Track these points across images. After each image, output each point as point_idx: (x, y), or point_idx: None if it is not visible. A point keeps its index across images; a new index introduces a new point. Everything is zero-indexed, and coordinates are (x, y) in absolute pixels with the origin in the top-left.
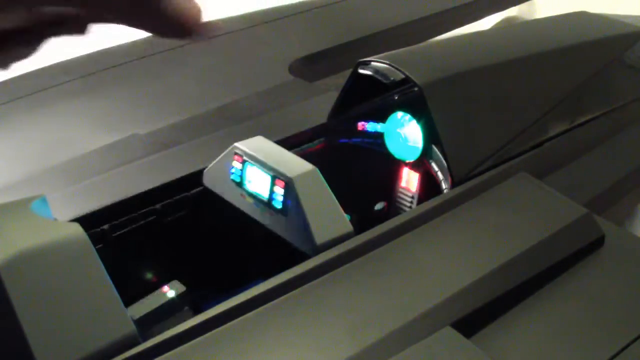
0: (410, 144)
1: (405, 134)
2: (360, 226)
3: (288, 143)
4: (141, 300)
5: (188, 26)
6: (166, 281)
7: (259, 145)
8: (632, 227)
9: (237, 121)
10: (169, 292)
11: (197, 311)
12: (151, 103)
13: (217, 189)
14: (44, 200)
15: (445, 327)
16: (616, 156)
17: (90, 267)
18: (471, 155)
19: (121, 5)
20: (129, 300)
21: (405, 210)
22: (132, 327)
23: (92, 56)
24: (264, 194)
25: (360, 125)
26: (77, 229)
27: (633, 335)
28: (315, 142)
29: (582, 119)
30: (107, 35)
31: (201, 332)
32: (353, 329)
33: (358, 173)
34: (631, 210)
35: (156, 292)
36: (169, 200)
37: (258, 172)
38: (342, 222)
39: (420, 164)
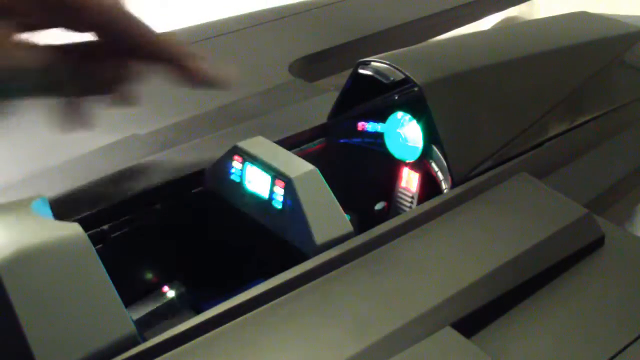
0: (410, 144)
1: (405, 134)
2: (360, 226)
3: (288, 143)
4: (141, 301)
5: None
6: (166, 281)
7: (259, 145)
8: (632, 227)
9: (237, 121)
10: (169, 292)
11: (197, 311)
12: (150, 103)
13: (218, 189)
14: (44, 200)
15: (445, 327)
16: (616, 156)
17: (90, 267)
18: (471, 155)
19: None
20: (129, 300)
21: (405, 210)
22: (132, 327)
23: None
24: (264, 194)
25: (361, 125)
26: (77, 229)
27: (633, 335)
28: (315, 142)
29: (582, 119)
30: None
31: (201, 332)
32: (353, 329)
33: (358, 173)
34: (631, 210)
35: (156, 292)
36: (169, 200)
37: (258, 172)
38: (342, 222)
39: (421, 164)
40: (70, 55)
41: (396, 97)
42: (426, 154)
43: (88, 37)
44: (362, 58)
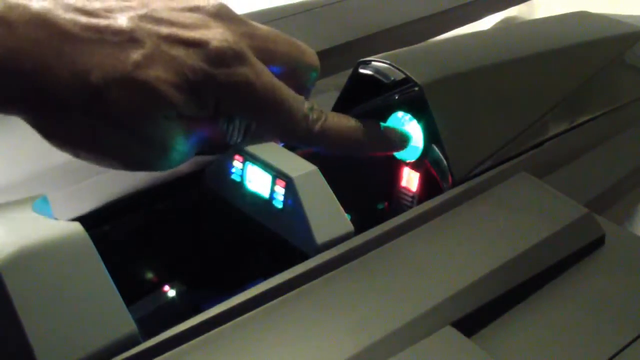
0: (411, 143)
1: None
2: (360, 226)
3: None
4: (142, 300)
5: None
6: (166, 281)
7: (259, 144)
8: (632, 227)
9: None
10: (170, 292)
11: (197, 311)
12: None
13: (218, 189)
14: (45, 199)
15: (445, 327)
16: (616, 156)
17: (91, 266)
18: (472, 155)
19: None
20: (129, 299)
21: (405, 210)
22: (133, 327)
23: None
24: (265, 194)
25: None
26: (78, 229)
27: (633, 334)
28: None
29: (582, 119)
30: None
31: (201, 332)
32: (353, 328)
33: (358, 173)
34: (631, 210)
35: (157, 292)
36: (169, 200)
37: (259, 171)
38: (343, 221)
39: (421, 164)
40: None
41: (396, 97)
42: (427, 154)
43: None
44: (362, 58)
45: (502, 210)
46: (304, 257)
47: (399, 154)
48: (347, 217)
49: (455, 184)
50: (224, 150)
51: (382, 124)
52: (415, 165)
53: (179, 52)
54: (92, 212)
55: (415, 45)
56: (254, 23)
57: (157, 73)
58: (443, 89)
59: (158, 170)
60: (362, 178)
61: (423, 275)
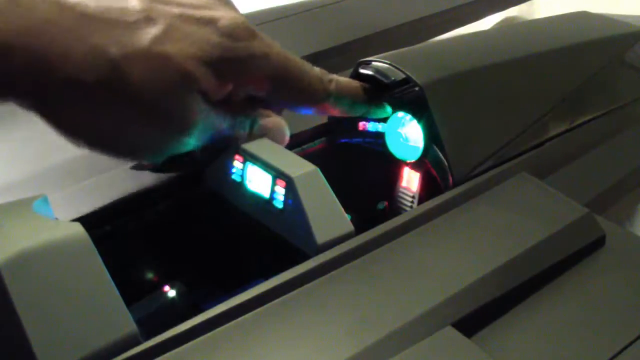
0: (411, 144)
1: (406, 133)
2: (361, 226)
3: (288, 143)
4: (142, 300)
5: None
6: (166, 281)
7: (260, 144)
8: (632, 227)
9: None
10: (170, 292)
11: (197, 311)
12: None
13: (218, 189)
14: (45, 199)
15: (446, 327)
16: (616, 156)
17: (91, 266)
18: (472, 155)
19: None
20: (129, 299)
21: (406, 210)
22: (133, 327)
23: None
24: (265, 194)
25: (361, 125)
26: (78, 229)
27: (633, 335)
28: (316, 142)
29: (583, 119)
30: None
31: (201, 332)
32: (353, 329)
33: (359, 173)
34: (631, 210)
35: (157, 292)
36: (169, 200)
37: (259, 171)
38: (343, 221)
39: (421, 164)
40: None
41: (397, 97)
42: (427, 154)
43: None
44: (362, 58)
45: (502, 210)
46: (305, 257)
47: (399, 154)
48: (347, 217)
49: (455, 184)
50: (231, 142)
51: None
52: (415, 165)
53: (193, 29)
54: (92, 212)
55: (415, 45)
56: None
57: (178, 46)
58: (443, 89)
59: (168, 154)
60: (362, 178)
61: (423, 275)
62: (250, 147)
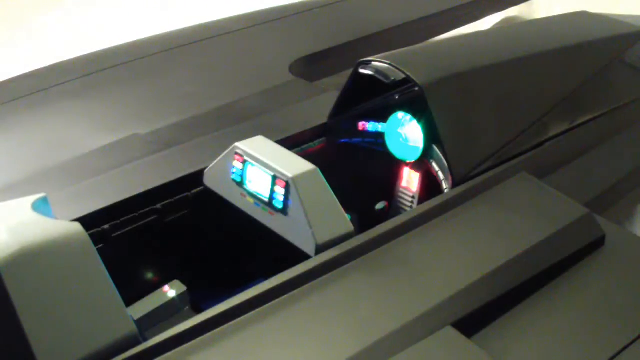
0: (411, 144)
1: (405, 134)
2: (361, 226)
3: (288, 143)
4: (142, 300)
5: None
6: (166, 281)
7: (259, 145)
8: (632, 227)
9: (237, 121)
10: (170, 292)
11: (197, 311)
12: (151, 103)
13: (218, 189)
14: (45, 199)
15: (446, 327)
16: (616, 156)
17: (91, 266)
18: (472, 155)
19: None
20: (129, 300)
21: (405, 210)
22: (133, 327)
23: (92, 56)
24: (265, 194)
25: (361, 125)
26: (78, 229)
27: (633, 335)
28: (316, 142)
29: (582, 119)
30: (106, 36)
31: (201, 332)
32: (354, 328)
33: (359, 173)
34: (631, 210)
35: (157, 292)
36: (169, 200)
37: (259, 171)
38: (343, 221)
39: (421, 164)
40: None
41: (397, 97)
42: (427, 154)
43: None
44: (362, 58)
45: (502, 210)
46: (305, 257)
47: (399, 154)
48: (347, 217)
49: (455, 184)
50: None
51: None
52: (415, 166)
53: None
54: (92, 212)
55: (415, 45)
56: None
57: None
58: (443, 89)
59: None
60: (363, 178)
61: (423, 275)
62: (250, 147)
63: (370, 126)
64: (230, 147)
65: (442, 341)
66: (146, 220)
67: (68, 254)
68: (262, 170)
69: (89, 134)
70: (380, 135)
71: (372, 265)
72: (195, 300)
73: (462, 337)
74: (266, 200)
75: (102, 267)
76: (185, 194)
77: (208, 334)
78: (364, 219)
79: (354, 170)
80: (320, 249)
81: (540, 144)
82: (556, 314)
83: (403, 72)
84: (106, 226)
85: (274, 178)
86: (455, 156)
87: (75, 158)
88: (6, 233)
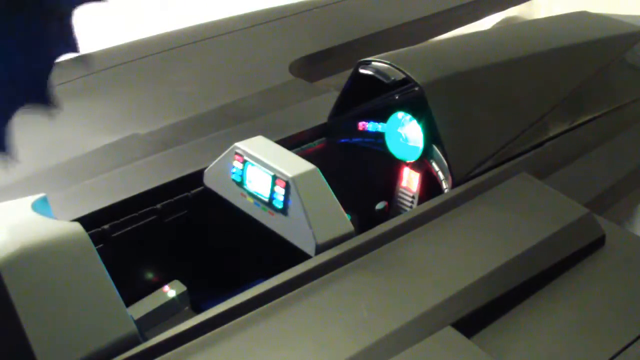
0: (411, 144)
1: (405, 134)
2: (361, 226)
3: (288, 143)
4: (142, 300)
5: None
6: (166, 281)
7: (259, 145)
8: (632, 227)
9: (237, 121)
10: (170, 292)
11: (197, 311)
12: (151, 103)
13: (218, 189)
14: (45, 199)
15: (445, 327)
16: (616, 156)
17: (91, 266)
18: (472, 155)
19: None
20: (129, 300)
21: (406, 210)
22: (133, 327)
23: (92, 56)
24: (265, 194)
25: (361, 125)
26: (78, 229)
27: (633, 335)
28: (316, 142)
29: (583, 119)
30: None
31: (201, 332)
32: (354, 328)
33: (359, 173)
34: (631, 210)
35: (157, 292)
36: (169, 200)
37: (259, 171)
38: (343, 221)
39: (421, 164)
40: None
41: (397, 97)
42: (427, 154)
43: None
44: (362, 58)
45: (502, 210)
46: (305, 257)
47: (399, 154)
48: (347, 217)
49: (455, 184)
50: None
51: None
52: (415, 166)
53: None
54: (92, 212)
55: (415, 45)
56: None
57: None
58: (443, 89)
59: None
60: (363, 178)
61: (423, 275)
62: (250, 147)
63: (370, 126)
64: (230, 147)
65: (442, 341)
66: (146, 220)
67: (68, 254)
68: (262, 170)
69: (89, 134)
70: (380, 135)
71: (372, 265)
72: (195, 300)
73: (462, 337)
74: (266, 200)
75: (102, 267)
76: (185, 194)
77: (208, 334)
78: (364, 219)
79: (354, 170)
80: (320, 249)
81: (540, 144)
82: (556, 314)
83: (403, 72)
84: (106, 226)
85: (274, 178)
86: (455, 156)
87: (75, 158)
88: (6, 233)
